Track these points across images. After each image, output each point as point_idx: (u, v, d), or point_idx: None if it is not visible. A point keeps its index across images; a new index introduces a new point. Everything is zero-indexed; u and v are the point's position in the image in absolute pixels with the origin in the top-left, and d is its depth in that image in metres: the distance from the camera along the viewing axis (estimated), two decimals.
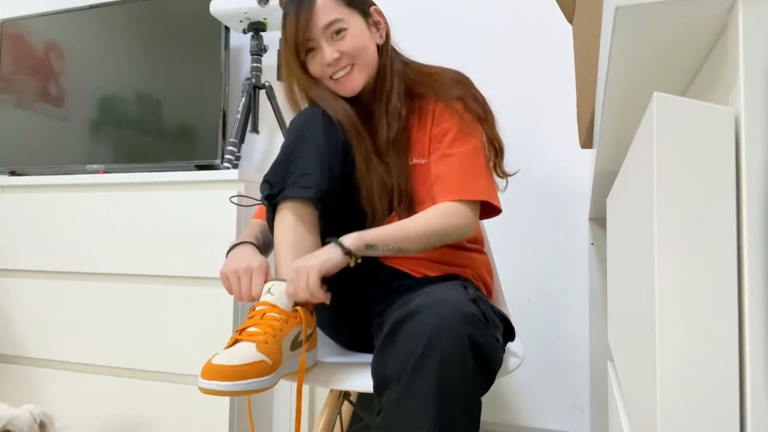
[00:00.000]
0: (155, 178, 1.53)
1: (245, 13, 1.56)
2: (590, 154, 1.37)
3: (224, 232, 1.43)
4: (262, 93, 1.68)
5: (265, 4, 1.53)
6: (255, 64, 1.65)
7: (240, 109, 1.62)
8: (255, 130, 1.69)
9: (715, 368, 0.32)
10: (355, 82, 0.98)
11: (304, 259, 0.85)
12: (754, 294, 0.31)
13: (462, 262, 1.03)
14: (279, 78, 1.78)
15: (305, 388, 1.62)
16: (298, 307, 0.85)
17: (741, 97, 0.32)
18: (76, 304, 1.57)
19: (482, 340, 0.72)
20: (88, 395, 1.54)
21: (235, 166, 1.59)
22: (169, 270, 1.48)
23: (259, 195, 0.97)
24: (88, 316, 1.55)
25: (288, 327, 0.82)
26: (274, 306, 0.83)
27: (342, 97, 1.00)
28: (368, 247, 0.88)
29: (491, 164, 0.99)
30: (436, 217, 0.92)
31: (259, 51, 1.65)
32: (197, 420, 1.43)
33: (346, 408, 1.24)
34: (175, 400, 1.45)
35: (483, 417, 0.86)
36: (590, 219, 1.39)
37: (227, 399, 1.40)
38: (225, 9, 1.57)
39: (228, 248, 0.97)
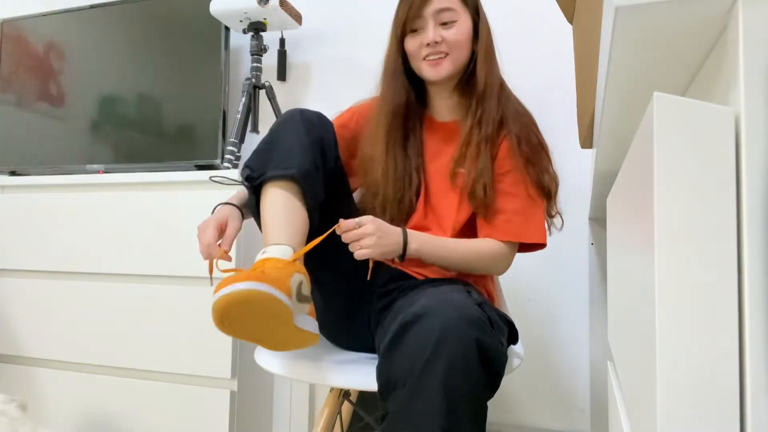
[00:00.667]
0: (155, 178, 1.53)
1: (245, 13, 1.56)
2: (590, 154, 1.37)
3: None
4: (262, 93, 1.68)
5: (265, 4, 1.53)
6: (255, 64, 1.65)
7: (240, 109, 1.62)
8: (255, 130, 1.69)
9: (715, 368, 0.32)
10: (445, 69, 1.01)
11: (386, 229, 0.89)
12: (754, 294, 0.31)
13: None
14: (279, 78, 1.79)
15: (305, 387, 1.62)
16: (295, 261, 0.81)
17: (741, 97, 0.32)
18: (76, 304, 1.57)
19: (489, 343, 0.72)
20: (88, 395, 1.54)
21: (235, 166, 1.59)
22: (169, 270, 1.48)
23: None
24: (87, 316, 1.55)
25: (290, 269, 0.78)
26: (268, 259, 0.79)
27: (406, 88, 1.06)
28: (419, 254, 0.93)
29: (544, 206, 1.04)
30: (486, 255, 0.99)
31: (259, 51, 1.65)
32: (197, 420, 1.43)
33: (346, 408, 1.24)
34: (175, 400, 1.45)
35: None
36: (590, 219, 1.39)
37: (227, 399, 1.40)
38: (225, 9, 1.57)
39: (212, 209, 0.96)
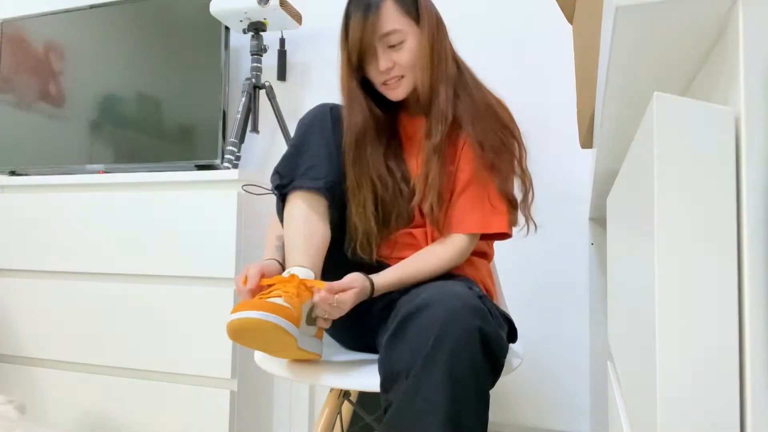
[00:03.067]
0: (155, 178, 1.53)
1: (245, 13, 1.56)
2: (590, 154, 1.37)
3: (224, 232, 1.43)
4: (262, 93, 1.68)
5: (265, 4, 1.53)
6: (255, 64, 1.65)
7: (240, 109, 1.62)
8: (255, 130, 1.69)
9: (715, 368, 0.32)
10: (402, 91, 1.01)
11: (361, 295, 0.87)
12: (754, 294, 0.31)
13: (464, 266, 1.04)
14: (279, 78, 1.78)
15: (305, 387, 1.62)
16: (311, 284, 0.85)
17: (741, 97, 0.32)
18: (76, 304, 1.57)
19: (491, 332, 0.73)
20: (88, 395, 1.54)
21: (235, 166, 1.59)
22: (168, 270, 1.49)
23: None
24: (87, 316, 1.55)
25: (305, 294, 0.82)
26: (291, 279, 0.84)
27: (374, 101, 1.02)
28: (386, 289, 0.93)
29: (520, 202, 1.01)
30: (447, 258, 0.97)
31: (259, 51, 1.65)
32: (197, 420, 1.43)
33: (346, 408, 1.24)
34: (175, 400, 1.45)
35: None
36: (590, 219, 1.39)
37: (227, 399, 1.40)
38: (225, 9, 1.57)
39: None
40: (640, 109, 0.53)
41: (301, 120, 1.01)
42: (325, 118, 0.97)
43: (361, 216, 0.97)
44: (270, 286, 0.84)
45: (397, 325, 0.75)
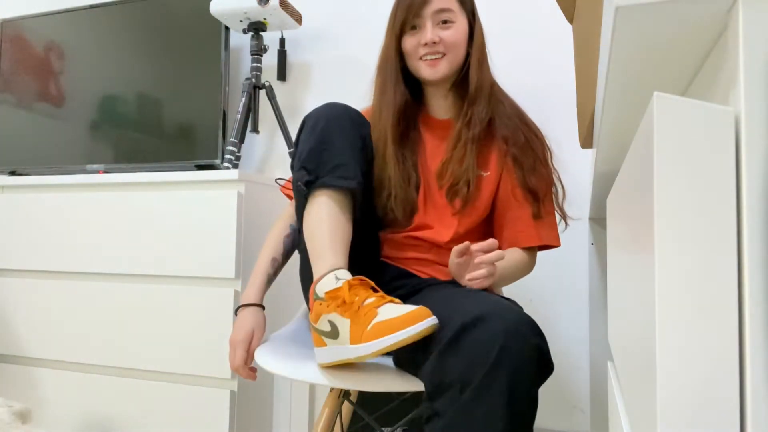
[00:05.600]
0: (155, 178, 1.53)
1: (245, 13, 1.56)
2: (590, 154, 1.37)
3: (224, 232, 1.43)
4: (262, 93, 1.68)
5: (265, 4, 1.53)
6: (255, 64, 1.65)
7: (240, 109, 1.62)
8: (255, 130, 1.69)
9: (715, 368, 0.32)
10: (441, 69, 1.02)
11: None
12: (754, 294, 0.31)
13: None
14: (279, 78, 1.78)
15: (305, 387, 1.62)
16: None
17: (741, 97, 0.32)
18: (76, 304, 1.57)
19: (546, 349, 0.74)
20: (88, 395, 1.54)
21: (235, 166, 1.59)
22: (169, 270, 1.48)
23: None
24: (88, 316, 1.55)
25: (358, 304, 0.80)
26: (353, 285, 0.81)
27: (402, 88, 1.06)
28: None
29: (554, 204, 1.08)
30: (520, 265, 1.04)
31: (259, 51, 1.65)
32: (197, 420, 1.43)
33: (346, 408, 1.24)
34: (175, 400, 1.45)
35: None
36: (590, 219, 1.39)
37: (227, 399, 1.40)
38: (225, 9, 1.57)
39: (234, 309, 1.05)
40: (640, 109, 0.53)
41: (314, 116, 0.96)
42: (345, 114, 0.96)
43: (392, 176, 1.01)
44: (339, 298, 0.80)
45: (453, 336, 0.73)
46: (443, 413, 0.71)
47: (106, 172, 1.74)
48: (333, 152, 0.91)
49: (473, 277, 0.86)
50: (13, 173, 1.88)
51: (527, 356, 0.70)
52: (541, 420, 1.49)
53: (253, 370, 1.00)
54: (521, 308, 0.85)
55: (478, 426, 0.68)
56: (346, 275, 0.83)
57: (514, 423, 0.68)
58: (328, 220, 0.89)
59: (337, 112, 0.95)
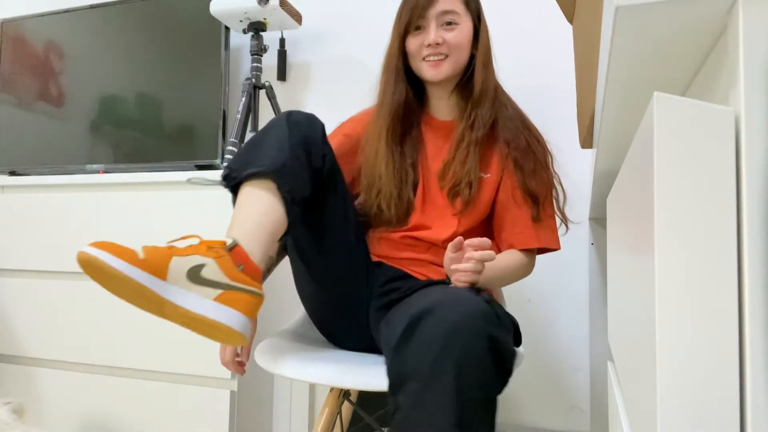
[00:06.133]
0: (155, 178, 1.53)
1: (245, 13, 1.56)
2: (590, 154, 1.37)
3: (224, 232, 1.43)
4: (262, 93, 1.68)
5: (265, 4, 1.53)
6: (255, 64, 1.65)
7: (240, 109, 1.62)
8: (255, 130, 1.69)
9: (715, 368, 0.32)
10: (444, 71, 1.02)
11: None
12: (754, 293, 0.31)
13: None
14: (279, 78, 1.78)
15: (305, 387, 1.62)
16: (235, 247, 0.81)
17: (741, 97, 0.32)
18: (76, 304, 1.57)
19: (500, 338, 0.73)
20: (88, 395, 1.54)
21: None
22: None
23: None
24: (88, 316, 1.55)
25: (192, 251, 0.78)
26: (202, 241, 0.81)
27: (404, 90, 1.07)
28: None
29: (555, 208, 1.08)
30: (515, 268, 1.03)
31: (259, 51, 1.65)
32: (197, 420, 1.43)
33: (346, 408, 1.24)
34: (175, 400, 1.45)
35: None
36: (590, 219, 1.39)
37: (227, 399, 1.40)
38: (225, 9, 1.57)
39: None
40: (640, 109, 0.53)
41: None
42: (281, 123, 0.93)
43: (385, 175, 1.02)
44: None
45: (406, 327, 0.74)
46: (402, 406, 0.72)
47: (106, 172, 1.74)
48: (258, 151, 0.89)
49: (457, 269, 0.86)
50: (13, 173, 1.88)
51: (476, 344, 0.70)
52: (541, 420, 1.49)
53: (242, 364, 0.97)
54: (499, 306, 0.85)
55: (430, 415, 0.68)
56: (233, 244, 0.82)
57: (467, 410, 0.68)
58: (239, 204, 0.88)
59: (278, 119, 0.93)
